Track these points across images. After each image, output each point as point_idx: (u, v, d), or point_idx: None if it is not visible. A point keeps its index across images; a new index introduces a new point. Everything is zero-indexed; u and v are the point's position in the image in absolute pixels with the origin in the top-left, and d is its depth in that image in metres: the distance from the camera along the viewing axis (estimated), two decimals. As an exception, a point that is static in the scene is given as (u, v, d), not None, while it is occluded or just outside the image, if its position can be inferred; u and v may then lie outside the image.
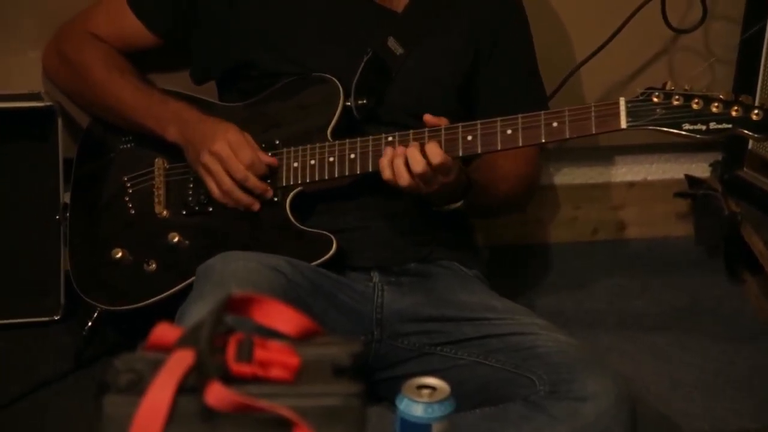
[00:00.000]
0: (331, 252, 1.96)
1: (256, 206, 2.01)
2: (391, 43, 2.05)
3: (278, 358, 1.01)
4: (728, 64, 2.57)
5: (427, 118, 1.91)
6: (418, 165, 1.83)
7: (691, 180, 2.73)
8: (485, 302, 1.99)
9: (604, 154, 2.79)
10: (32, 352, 2.26)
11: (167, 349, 1.03)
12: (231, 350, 1.01)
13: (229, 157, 1.97)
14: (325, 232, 1.98)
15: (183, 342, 1.03)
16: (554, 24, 2.53)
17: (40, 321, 2.31)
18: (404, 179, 1.84)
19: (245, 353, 1.01)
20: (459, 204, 2.00)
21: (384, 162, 1.87)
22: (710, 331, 2.47)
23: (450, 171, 1.85)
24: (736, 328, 2.49)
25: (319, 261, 1.96)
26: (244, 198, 2.00)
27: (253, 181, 1.99)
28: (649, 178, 2.83)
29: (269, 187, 2.00)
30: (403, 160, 1.84)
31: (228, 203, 2.02)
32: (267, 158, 2.00)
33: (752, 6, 2.46)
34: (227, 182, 1.99)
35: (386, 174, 1.87)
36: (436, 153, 1.83)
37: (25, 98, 2.26)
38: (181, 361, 1.00)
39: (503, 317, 1.93)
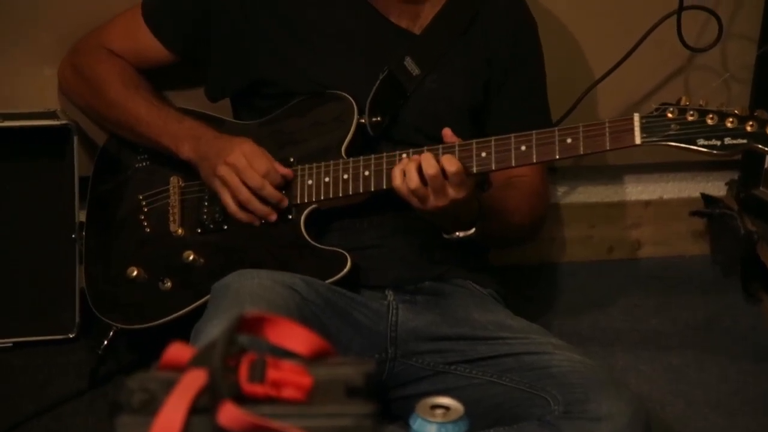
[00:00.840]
0: (346, 269, 1.96)
1: (273, 216, 2.01)
2: (408, 63, 2.05)
3: (291, 378, 1.01)
4: (744, 83, 2.57)
5: (446, 132, 1.90)
6: (431, 168, 1.81)
7: (707, 199, 2.72)
8: (500, 321, 1.98)
9: (620, 172, 2.79)
10: (47, 370, 2.26)
11: (180, 369, 1.02)
12: (244, 370, 1.01)
13: (245, 167, 1.98)
14: (339, 250, 1.98)
15: (196, 362, 1.02)
16: (570, 43, 2.53)
17: (55, 339, 2.31)
18: (414, 182, 1.82)
19: (258, 373, 1.00)
20: (471, 232, 1.98)
21: (396, 169, 1.86)
22: (727, 351, 2.46)
23: (462, 185, 1.84)
24: (753, 347, 2.48)
25: (333, 278, 1.96)
26: (260, 207, 2.00)
27: (269, 190, 1.99)
28: (665, 196, 2.83)
29: (285, 197, 2.00)
30: (416, 165, 1.83)
31: (243, 218, 2.02)
32: (282, 169, 2.00)
33: (768, 25, 2.46)
34: (244, 192, 1.99)
35: (397, 180, 1.85)
36: (451, 161, 1.83)
37: (41, 116, 2.27)
38: (193, 381, 1.00)
39: (518, 336, 1.93)
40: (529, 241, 2.46)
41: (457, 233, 1.97)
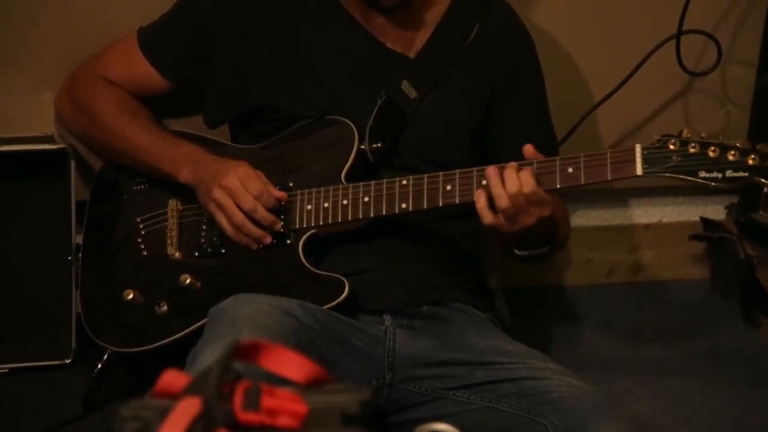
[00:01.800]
0: (344, 295, 1.95)
1: (268, 239, 2.01)
2: (405, 86, 2.05)
3: (286, 406, 1.00)
4: (744, 108, 2.57)
5: (527, 148, 1.87)
6: (514, 186, 1.80)
7: (706, 222, 2.72)
8: (498, 346, 1.97)
9: (620, 196, 2.79)
10: (43, 395, 2.25)
11: (174, 397, 1.01)
12: (238, 398, 1.00)
13: (239, 189, 1.98)
14: (337, 276, 1.97)
15: (190, 389, 1.01)
16: (569, 66, 2.53)
17: (51, 364, 2.30)
18: (504, 200, 1.80)
19: (253, 401, 0.99)
20: (544, 250, 2.00)
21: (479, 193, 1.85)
22: (728, 376, 2.45)
23: (542, 203, 1.82)
24: (754, 372, 2.47)
25: (331, 304, 1.95)
26: (254, 230, 2.00)
27: (262, 212, 1.98)
28: (665, 220, 2.82)
29: (278, 220, 2.00)
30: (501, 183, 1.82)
31: (240, 240, 2.01)
32: (276, 192, 2.00)
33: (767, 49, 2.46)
34: (239, 215, 1.99)
35: (480, 203, 1.84)
36: (527, 182, 1.81)
37: (38, 140, 2.27)
38: (187, 409, 0.99)
39: (516, 361, 1.92)
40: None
41: (532, 250, 1.99)
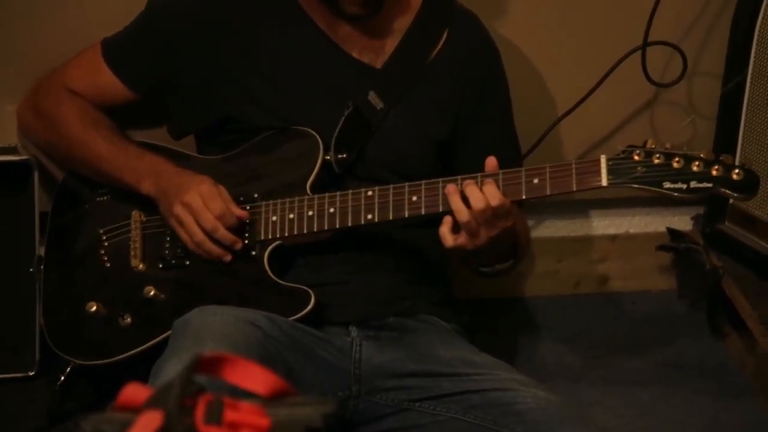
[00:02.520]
0: (309, 307, 1.94)
1: (228, 257, 2.00)
2: (372, 97, 2.04)
3: (248, 420, 0.99)
4: (710, 119, 2.58)
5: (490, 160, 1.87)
6: (480, 201, 1.80)
7: (673, 233, 2.72)
8: (464, 357, 1.97)
9: (587, 207, 2.79)
10: (6, 408, 2.23)
11: (136, 410, 1.00)
12: (200, 411, 0.99)
13: (199, 207, 1.96)
14: (303, 287, 1.96)
15: (151, 403, 1.00)
16: (535, 78, 2.53)
17: (14, 377, 2.28)
18: (464, 214, 1.81)
19: (215, 415, 0.98)
20: (509, 264, 2.01)
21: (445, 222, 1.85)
22: (694, 386, 2.46)
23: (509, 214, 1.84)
24: (720, 383, 2.48)
25: (297, 316, 1.94)
26: (214, 249, 1.99)
27: (222, 232, 1.97)
28: (632, 230, 2.83)
29: (239, 239, 1.99)
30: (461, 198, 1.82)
31: (202, 254, 2.00)
32: (238, 211, 1.99)
33: (732, 60, 2.47)
34: (199, 233, 1.97)
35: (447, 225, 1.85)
36: (493, 194, 1.81)
37: (2, 152, 2.25)
38: (149, 422, 0.98)
39: (482, 372, 1.92)
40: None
41: (496, 266, 2.00)
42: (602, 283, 2.83)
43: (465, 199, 1.82)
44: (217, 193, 1.98)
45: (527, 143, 2.42)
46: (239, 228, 1.99)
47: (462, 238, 1.83)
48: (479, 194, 1.81)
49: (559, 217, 2.79)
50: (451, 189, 1.84)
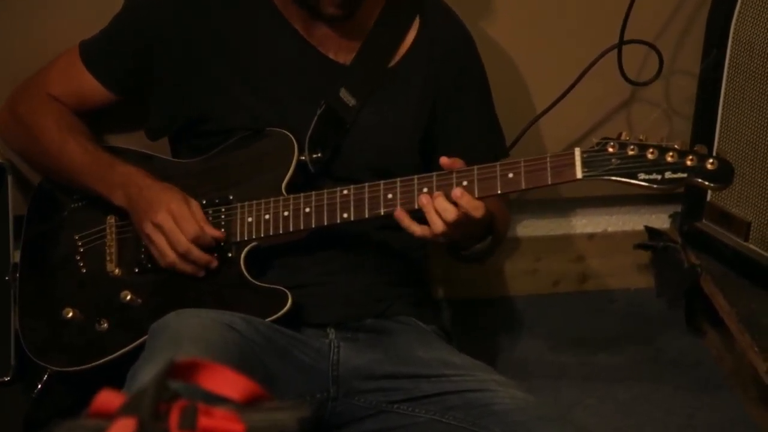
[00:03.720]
0: (287, 307, 1.93)
1: (201, 274, 1.99)
2: (344, 94, 2.03)
3: (223, 426, 0.98)
4: (686, 117, 2.58)
5: (443, 160, 1.87)
6: (451, 213, 1.80)
7: (651, 231, 2.73)
8: (443, 358, 1.97)
9: (565, 205, 2.79)
10: (-18, 414, 2.21)
11: (109, 417, 0.99)
12: (174, 418, 0.98)
13: (171, 230, 1.95)
14: (280, 287, 1.95)
15: (125, 409, 0.99)
16: (511, 77, 2.53)
17: (-11, 383, 2.26)
18: (439, 226, 1.81)
19: (188, 421, 0.97)
20: (488, 241, 1.99)
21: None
22: (673, 384, 2.46)
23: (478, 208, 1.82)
24: (698, 380, 2.49)
25: (274, 317, 1.93)
26: (188, 268, 1.98)
27: (197, 254, 1.96)
28: (610, 229, 2.83)
29: (213, 259, 1.98)
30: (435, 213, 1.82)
31: (176, 270, 1.99)
32: (212, 231, 1.97)
33: (708, 58, 2.47)
34: (171, 255, 1.96)
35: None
36: (465, 201, 1.81)
37: (-26, 156, 2.23)
38: (122, 429, 0.97)
39: (461, 374, 1.91)
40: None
41: (476, 246, 1.98)
42: (581, 282, 2.83)
43: (438, 214, 1.81)
44: (189, 213, 1.97)
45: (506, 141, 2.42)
46: (212, 248, 1.98)
47: (427, 231, 1.83)
48: (451, 207, 1.80)
49: (538, 216, 2.79)
50: (424, 201, 1.83)
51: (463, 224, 1.81)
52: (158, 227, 1.96)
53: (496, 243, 2.06)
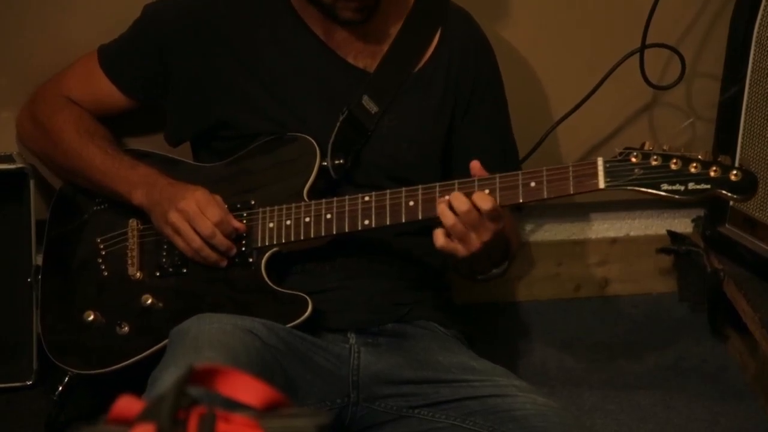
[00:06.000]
0: (307, 314, 1.93)
1: (224, 263, 1.99)
2: (366, 101, 2.03)
3: (241, 432, 0.98)
4: (709, 121, 2.57)
5: (474, 164, 1.86)
6: (463, 204, 1.79)
7: (673, 236, 2.72)
8: (463, 363, 1.96)
9: (586, 210, 2.79)
10: (4, 417, 2.22)
11: (128, 423, 0.99)
12: (193, 424, 0.98)
13: (197, 214, 1.96)
14: (300, 293, 1.95)
15: (144, 416, 0.99)
16: (533, 82, 2.52)
17: (12, 386, 2.27)
18: (450, 218, 1.79)
19: (207, 427, 0.97)
20: (505, 266, 2.00)
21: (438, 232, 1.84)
22: (695, 390, 2.45)
23: (498, 218, 1.81)
24: (721, 386, 2.47)
25: (294, 323, 1.93)
26: (212, 255, 1.98)
27: (220, 238, 1.96)
28: (632, 233, 2.82)
29: (234, 245, 1.98)
30: (447, 204, 1.81)
31: (199, 261, 1.99)
32: (236, 222, 1.98)
33: (731, 63, 2.46)
34: (197, 239, 1.97)
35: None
36: (483, 197, 1.80)
37: (-2, 160, 2.24)
38: (141, 436, 0.97)
39: (481, 379, 1.90)
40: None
41: (493, 270, 1.98)
42: (602, 287, 2.82)
43: (450, 205, 1.81)
44: (214, 200, 1.98)
45: (526, 147, 2.42)
46: (236, 237, 1.98)
47: (454, 243, 1.82)
48: (462, 198, 1.79)
49: (559, 220, 2.78)
50: (439, 199, 1.84)
51: (477, 226, 1.80)
52: (183, 212, 1.96)
53: (508, 268, 2.07)
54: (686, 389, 2.44)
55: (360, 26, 2.02)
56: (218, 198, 1.99)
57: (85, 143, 2.12)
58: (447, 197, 1.82)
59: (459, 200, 1.79)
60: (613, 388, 2.45)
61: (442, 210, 1.81)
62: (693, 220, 2.74)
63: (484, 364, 1.98)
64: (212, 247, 1.97)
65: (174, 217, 1.97)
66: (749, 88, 2.40)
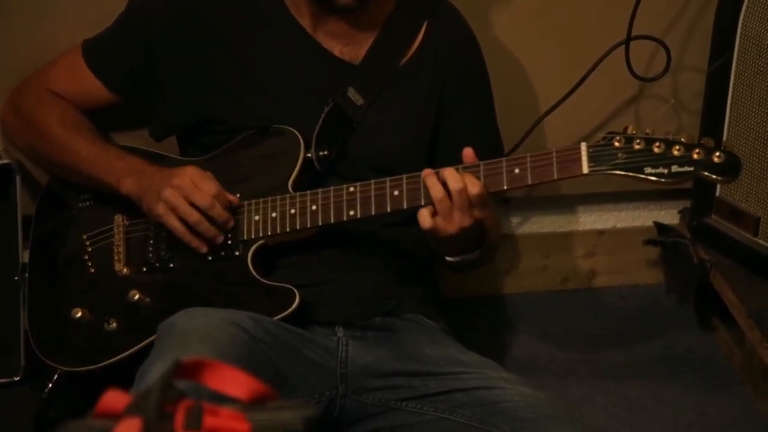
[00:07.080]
0: (294, 305, 1.93)
1: (221, 238, 1.97)
2: (352, 93, 2.03)
3: (228, 425, 0.98)
4: (694, 113, 2.57)
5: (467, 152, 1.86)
6: (457, 182, 1.79)
7: (660, 227, 2.72)
8: (451, 356, 1.96)
9: (573, 202, 2.79)
10: (-8, 415, 2.22)
11: (115, 417, 0.99)
12: (179, 418, 0.98)
13: (192, 187, 1.94)
14: (287, 286, 1.95)
15: (131, 410, 0.99)
16: (519, 74, 2.52)
17: (0, 382, 2.27)
18: (439, 191, 1.80)
19: (194, 421, 0.97)
20: (475, 254, 1.97)
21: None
22: (683, 381, 2.46)
23: (485, 204, 1.82)
24: (709, 376, 2.48)
25: (281, 315, 1.93)
26: (210, 228, 1.96)
27: (219, 210, 1.95)
28: (619, 225, 2.83)
29: (231, 217, 1.97)
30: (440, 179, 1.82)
31: (191, 242, 1.98)
32: (230, 195, 1.98)
33: (716, 54, 2.46)
34: (194, 213, 1.94)
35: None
36: (473, 182, 1.80)
37: (-18, 157, 2.24)
38: (128, 429, 0.97)
39: (469, 371, 1.91)
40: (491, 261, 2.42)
41: (462, 256, 1.96)
42: (590, 279, 2.83)
43: (444, 183, 1.81)
44: (208, 174, 1.97)
45: (513, 139, 2.42)
46: (224, 230, 1.98)
47: (437, 220, 1.82)
48: (456, 175, 1.80)
49: (546, 213, 2.78)
50: (428, 171, 1.83)
51: (463, 208, 1.79)
52: (178, 188, 1.94)
53: (485, 258, 2.05)
54: (675, 380, 2.45)
55: (348, 17, 2.01)
56: (210, 173, 1.98)
57: (71, 135, 2.11)
58: (438, 171, 1.82)
59: (454, 177, 1.79)
60: (601, 379, 2.46)
61: (433, 183, 1.81)
62: (680, 212, 2.75)
63: (472, 357, 1.98)
64: (210, 219, 1.96)
65: (168, 193, 1.95)
66: (734, 80, 2.40)
